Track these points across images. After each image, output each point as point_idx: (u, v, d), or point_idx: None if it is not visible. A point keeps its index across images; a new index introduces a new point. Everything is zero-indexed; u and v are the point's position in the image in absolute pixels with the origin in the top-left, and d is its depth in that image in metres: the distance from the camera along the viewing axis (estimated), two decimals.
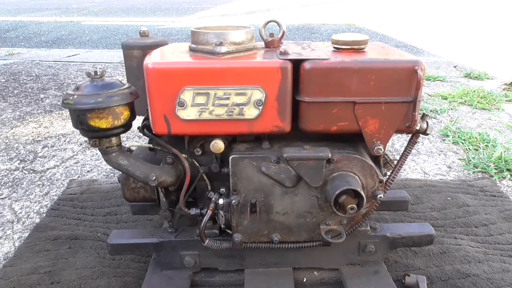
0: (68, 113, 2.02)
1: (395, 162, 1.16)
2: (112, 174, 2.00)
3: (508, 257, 1.38)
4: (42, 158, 2.18)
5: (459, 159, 2.14)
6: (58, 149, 2.29)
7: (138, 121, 1.17)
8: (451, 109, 2.87)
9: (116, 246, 1.20)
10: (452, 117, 2.71)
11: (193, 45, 1.07)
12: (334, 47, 1.08)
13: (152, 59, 0.98)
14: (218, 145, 1.05)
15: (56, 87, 3.48)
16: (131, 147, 1.20)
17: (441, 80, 3.55)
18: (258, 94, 0.96)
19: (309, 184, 1.04)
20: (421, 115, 1.07)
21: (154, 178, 1.07)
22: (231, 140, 1.10)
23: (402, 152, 1.14)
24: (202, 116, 0.98)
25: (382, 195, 1.07)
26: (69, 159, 2.16)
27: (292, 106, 1.00)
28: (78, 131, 1.03)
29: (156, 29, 7.00)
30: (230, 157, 1.03)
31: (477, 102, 2.94)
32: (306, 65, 0.96)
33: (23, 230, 1.57)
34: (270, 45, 1.10)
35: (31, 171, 2.03)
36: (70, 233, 1.49)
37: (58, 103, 3.08)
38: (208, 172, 1.14)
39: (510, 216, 1.60)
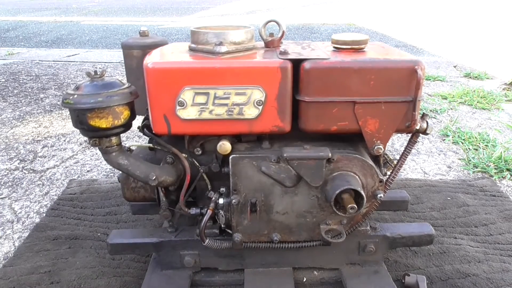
0: (68, 112, 2.02)
1: (395, 161, 1.16)
2: (112, 174, 2.00)
3: (508, 257, 1.38)
4: (42, 158, 2.18)
5: (459, 159, 2.14)
6: (58, 149, 2.29)
7: (138, 121, 1.17)
8: (451, 109, 2.87)
9: (116, 246, 1.20)
10: (452, 117, 2.71)
11: (193, 45, 1.07)
12: (334, 47, 1.08)
13: (152, 59, 0.98)
14: (225, 146, 1.05)
15: (56, 87, 3.48)
16: (131, 147, 1.20)
17: (441, 80, 3.55)
18: (258, 94, 0.96)
19: (309, 184, 1.04)
20: (421, 115, 1.07)
21: (154, 177, 1.07)
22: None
23: (402, 152, 1.14)
24: (202, 115, 0.98)
25: (382, 195, 1.07)
26: (69, 159, 2.16)
27: (292, 105, 1.00)
28: (78, 130, 1.03)
29: (156, 29, 7.00)
30: (230, 157, 1.03)
31: (477, 102, 2.94)
32: (306, 65, 0.96)
33: (23, 230, 1.57)
34: (270, 44, 1.10)
35: (31, 171, 2.03)
36: (70, 233, 1.49)
37: (58, 102, 3.08)
38: (208, 172, 1.14)
39: (510, 216, 1.60)
